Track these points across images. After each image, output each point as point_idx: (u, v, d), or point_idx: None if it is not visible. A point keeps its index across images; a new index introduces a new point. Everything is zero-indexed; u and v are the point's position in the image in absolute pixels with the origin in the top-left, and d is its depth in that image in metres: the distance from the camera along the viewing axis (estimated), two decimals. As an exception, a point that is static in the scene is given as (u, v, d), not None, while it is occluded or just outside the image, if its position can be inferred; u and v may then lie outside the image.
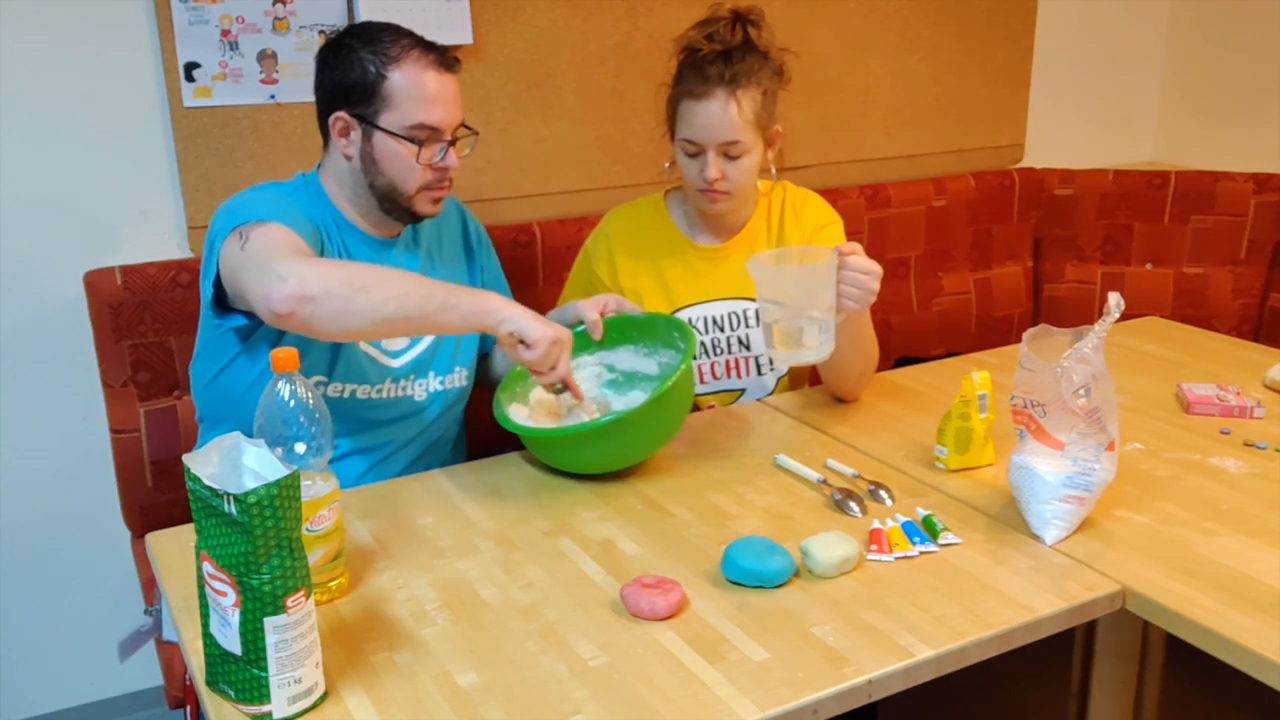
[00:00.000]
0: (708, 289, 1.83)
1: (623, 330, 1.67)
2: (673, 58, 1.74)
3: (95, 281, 1.90)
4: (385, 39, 1.55)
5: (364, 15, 2.03)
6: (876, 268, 1.55)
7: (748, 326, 1.83)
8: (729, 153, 1.70)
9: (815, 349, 1.55)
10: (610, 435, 1.48)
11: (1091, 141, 3.11)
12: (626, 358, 1.69)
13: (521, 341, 1.45)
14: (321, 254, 1.57)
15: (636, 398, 1.65)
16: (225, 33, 2.00)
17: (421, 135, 1.55)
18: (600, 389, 1.68)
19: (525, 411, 1.61)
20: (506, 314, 1.44)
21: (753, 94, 1.68)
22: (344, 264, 1.46)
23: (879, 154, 2.75)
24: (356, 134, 1.57)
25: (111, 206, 2.02)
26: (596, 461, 1.53)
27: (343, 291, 1.35)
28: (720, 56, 1.68)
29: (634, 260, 1.85)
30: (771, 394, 1.86)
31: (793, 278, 1.57)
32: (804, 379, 1.95)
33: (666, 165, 1.82)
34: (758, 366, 1.84)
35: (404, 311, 1.39)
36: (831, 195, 2.49)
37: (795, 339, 1.55)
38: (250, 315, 1.50)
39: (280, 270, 1.34)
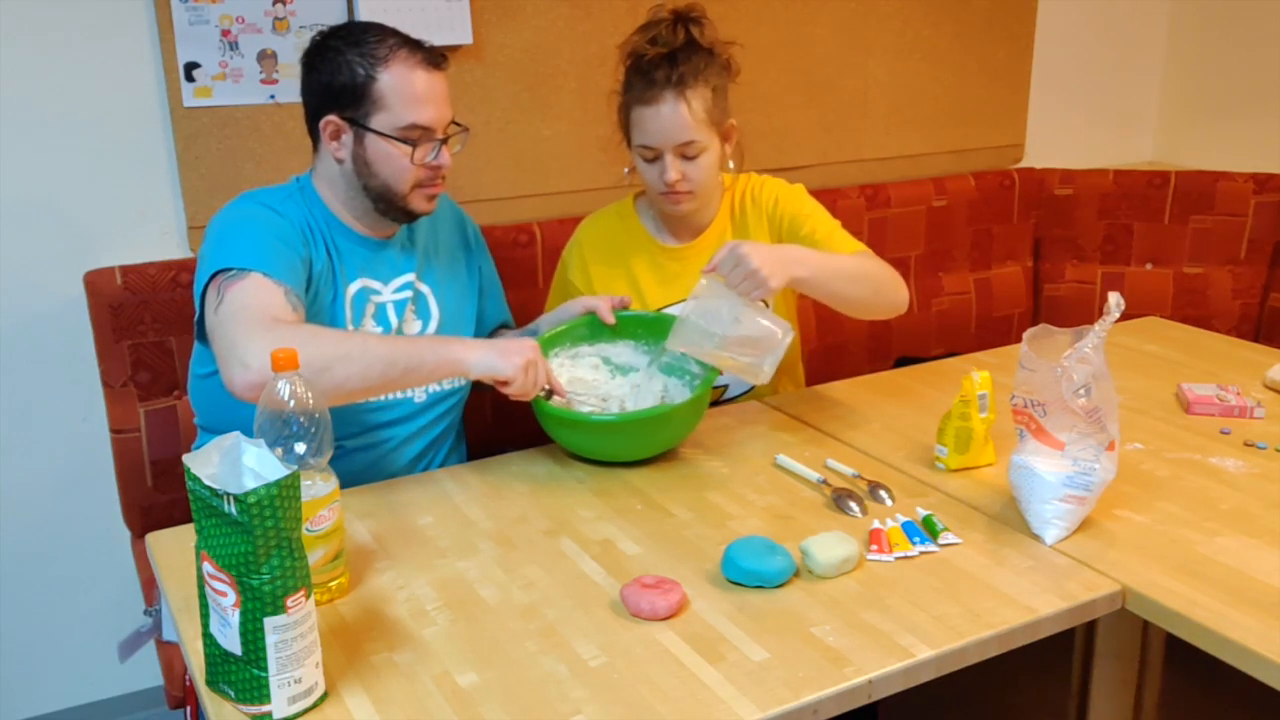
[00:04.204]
0: (679, 289, 1.82)
1: (627, 325, 1.70)
2: (619, 65, 1.74)
3: (95, 281, 1.90)
4: (371, 39, 1.54)
5: (364, 15, 2.03)
6: (739, 251, 1.52)
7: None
8: (685, 153, 1.70)
9: (755, 367, 1.57)
10: (641, 428, 1.54)
11: (1091, 141, 3.11)
12: (625, 352, 1.71)
13: (498, 380, 1.49)
14: (313, 258, 1.57)
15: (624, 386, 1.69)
16: (225, 33, 2.00)
17: (414, 135, 1.55)
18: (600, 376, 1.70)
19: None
20: (473, 360, 1.47)
21: (702, 92, 1.68)
22: (310, 338, 1.41)
23: (879, 154, 2.75)
24: (348, 137, 1.57)
25: (111, 206, 2.02)
26: (615, 451, 1.57)
27: (306, 374, 1.32)
28: (665, 59, 1.68)
29: (607, 266, 1.86)
30: (755, 386, 1.85)
31: (682, 325, 1.58)
32: (795, 372, 1.96)
33: (626, 171, 1.82)
34: None
35: (368, 383, 1.42)
36: (831, 195, 2.51)
37: (746, 367, 1.58)
38: None
39: (244, 355, 1.35)
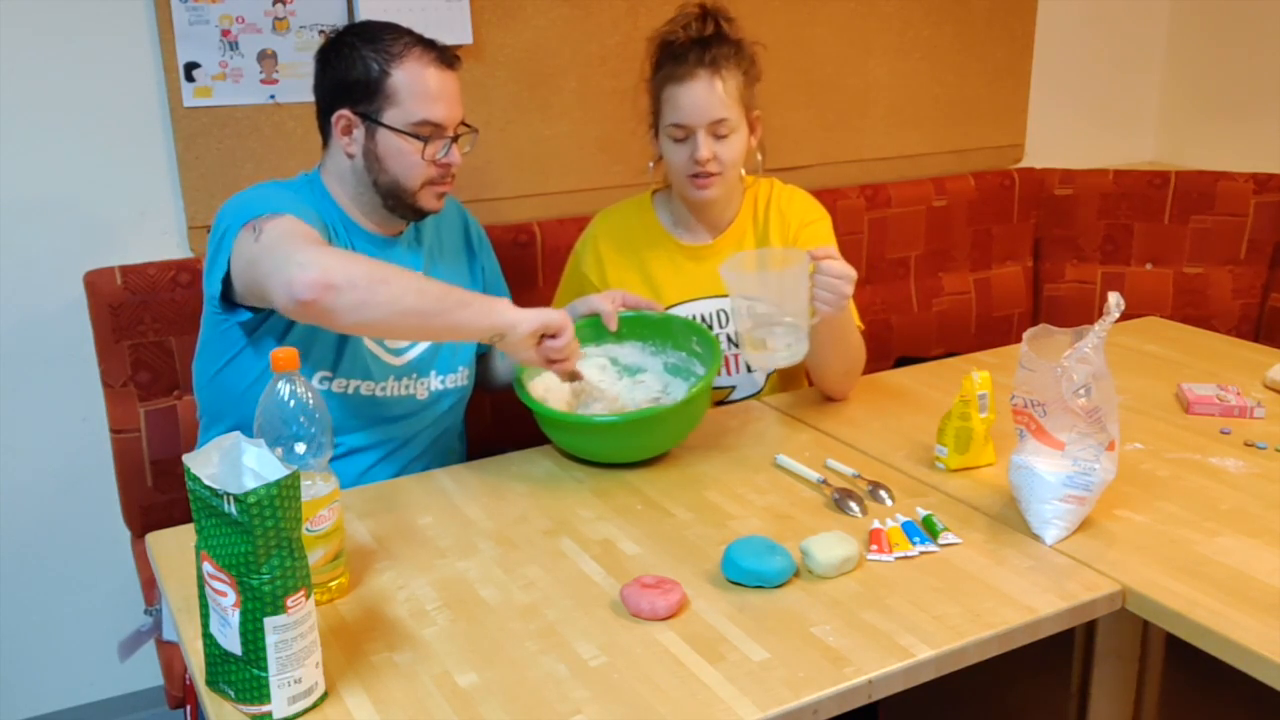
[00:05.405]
0: (694, 287, 1.83)
1: (633, 326, 1.69)
2: (648, 56, 1.77)
3: (95, 281, 1.90)
4: (386, 37, 1.56)
5: (364, 15, 2.03)
6: (850, 271, 1.56)
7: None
8: (717, 132, 1.71)
9: (786, 352, 1.57)
10: (639, 429, 1.53)
11: (1091, 141, 3.11)
12: (632, 353, 1.71)
13: (547, 335, 1.49)
14: (333, 242, 1.58)
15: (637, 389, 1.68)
16: (225, 33, 2.00)
17: (425, 131, 1.56)
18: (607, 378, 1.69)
19: (542, 387, 1.63)
20: (516, 318, 1.47)
21: (734, 73, 1.71)
22: (361, 255, 1.49)
23: (879, 154, 2.75)
24: (359, 132, 1.57)
25: (111, 206, 2.02)
26: (614, 452, 1.56)
27: (365, 282, 1.37)
28: (696, 43, 1.71)
29: (622, 260, 1.86)
30: (762, 390, 1.86)
31: (761, 283, 1.59)
32: (799, 377, 1.96)
33: (650, 165, 1.82)
34: (747, 363, 1.84)
35: (421, 306, 1.41)
36: (831, 195, 2.51)
37: (764, 343, 1.58)
38: (256, 310, 1.51)
39: (300, 258, 1.35)
